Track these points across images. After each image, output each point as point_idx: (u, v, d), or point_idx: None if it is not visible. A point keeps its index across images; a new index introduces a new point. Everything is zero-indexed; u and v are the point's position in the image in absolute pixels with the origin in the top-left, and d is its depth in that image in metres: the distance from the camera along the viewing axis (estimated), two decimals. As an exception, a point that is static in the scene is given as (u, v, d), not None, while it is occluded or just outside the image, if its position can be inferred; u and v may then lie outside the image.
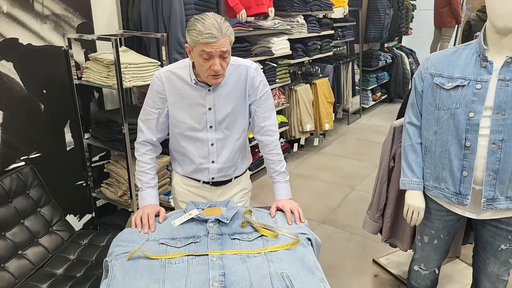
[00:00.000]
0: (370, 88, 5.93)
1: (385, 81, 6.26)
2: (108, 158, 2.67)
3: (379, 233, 2.20)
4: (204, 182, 1.68)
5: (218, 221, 1.44)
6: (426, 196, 1.65)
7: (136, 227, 1.41)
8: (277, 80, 3.85)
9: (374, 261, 2.58)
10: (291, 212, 1.49)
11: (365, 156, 4.42)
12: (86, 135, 2.51)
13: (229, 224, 1.44)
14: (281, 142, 4.13)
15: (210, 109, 1.54)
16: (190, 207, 1.52)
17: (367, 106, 6.02)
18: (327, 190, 3.64)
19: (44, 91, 2.27)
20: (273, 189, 1.65)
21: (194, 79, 1.51)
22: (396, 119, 2.45)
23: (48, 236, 2.09)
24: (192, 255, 1.28)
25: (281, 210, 1.53)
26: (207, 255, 1.27)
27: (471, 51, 1.47)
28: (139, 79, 2.30)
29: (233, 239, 1.37)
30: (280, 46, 3.74)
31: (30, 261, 1.94)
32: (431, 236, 1.71)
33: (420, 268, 1.82)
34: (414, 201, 1.63)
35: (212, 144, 1.60)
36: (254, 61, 2.61)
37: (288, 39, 3.88)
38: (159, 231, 1.41)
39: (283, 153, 2.44)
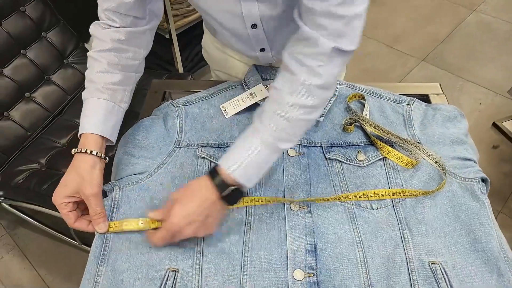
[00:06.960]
0: None
1: None
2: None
3: None
4: None
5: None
6: None
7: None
8: None
9: (494, 124, 1.94)
10: None
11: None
12: None
13: (323, 123, 0.79)
14: None
15: None
16: (252, 79, 0.86)
17: None
18: (433, 10, 2.68)
19: None
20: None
21: None
22: None
23: (63, 71, 1.58)
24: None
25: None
26: (283, 192, 0.69)
27: None
28: None
29: (330, 159, 0.74)
30: None
31: (42, 107, 1.49)
32: None
33: None
34: None
35: (253, 26, 0.77)
36: None
37: None
38: (198, 125, 0.80)
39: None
